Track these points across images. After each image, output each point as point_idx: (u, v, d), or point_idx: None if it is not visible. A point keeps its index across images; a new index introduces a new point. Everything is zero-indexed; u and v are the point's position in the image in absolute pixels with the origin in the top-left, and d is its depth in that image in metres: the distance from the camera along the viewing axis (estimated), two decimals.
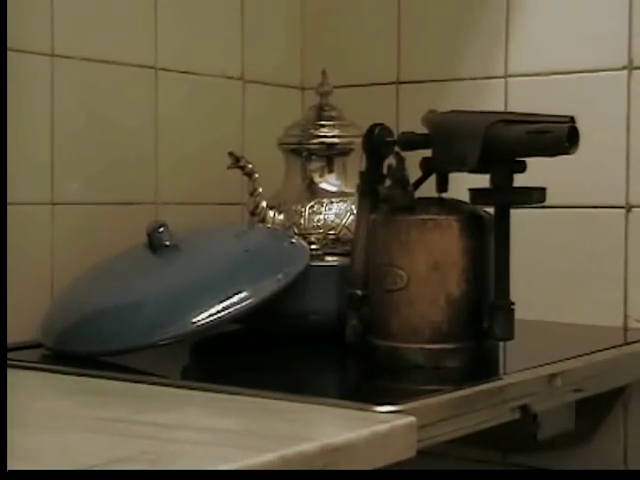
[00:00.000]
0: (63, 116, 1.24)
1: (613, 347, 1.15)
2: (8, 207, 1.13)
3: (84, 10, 1.28)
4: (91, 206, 1.28)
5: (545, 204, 1.01)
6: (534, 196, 1.00)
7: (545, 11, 1.37)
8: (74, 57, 1.26)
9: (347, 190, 1.18)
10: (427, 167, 1.04)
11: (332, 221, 1.16)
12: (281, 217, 1.16)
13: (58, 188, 1.23)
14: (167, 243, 1.12)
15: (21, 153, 1.18)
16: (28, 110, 1.20)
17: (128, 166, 1.34)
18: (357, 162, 1.13)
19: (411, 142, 1.05)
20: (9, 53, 1.15)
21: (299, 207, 1.17)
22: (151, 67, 1.39)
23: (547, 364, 1.01)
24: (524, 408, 0.94)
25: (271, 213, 1.17)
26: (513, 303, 1.00)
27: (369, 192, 1.06)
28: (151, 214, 1.33)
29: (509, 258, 1.00)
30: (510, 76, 1.39)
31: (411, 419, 0.79)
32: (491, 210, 1.02)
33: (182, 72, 1.45)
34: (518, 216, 1.03)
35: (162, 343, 1.01)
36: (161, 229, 1.13)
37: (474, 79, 1.43)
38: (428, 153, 1.04)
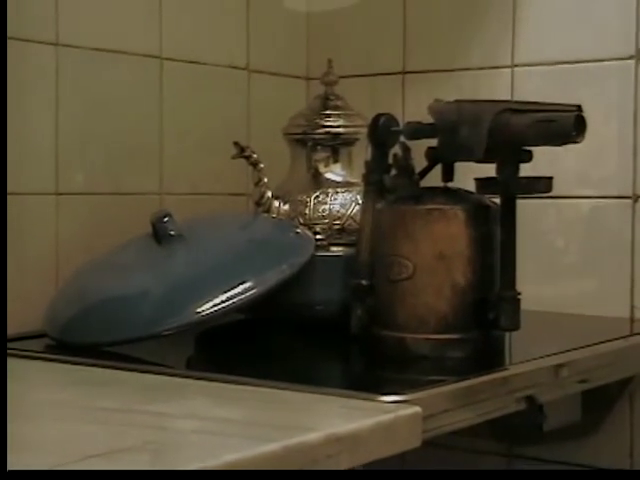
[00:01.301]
0: (67, 106, 1.24)
1: (619, 338, 1.14)
2: (13, 197, 1.13)
3: (102, 3, 1.28)
4: (96, 196, 1.28)
5: (552, 194, 1.01)
6: (540, 186, 0.99)
7: (552, 0, 1.36)
8: (79, 46, 1.26)
9: (352, 180, 1.18)
10: (433, 157, 1.04)
11: (337, 211, 1.15)
12: (286, 207, 1.16)
13: (63, 178, 1.23)
14: (172, 233, 1.12)
15: (26, 143, 1.18)
16: (32, 100, 1.20)
17: (133, 156, 1.34)
18: (362, 152, 1.12)
19: (417, 132, 1.05)
20: (14, 42, 1.15)
21: (304, 197, 1.17)
22: (156, 57, 1.39)
23: (553, 355, 1.01)
24: (530, 399, 0.94)
25: (276, 203, 1.16)
26: (519, 293, 0.99)
27: (375, 182, 1.05)
28: (156, 204, 1.33)
29: (515, 248, 1.00)
30: (517, 66, 1.39)
31: (416, 409, 0.78)
32: (497, 200, 1.01)
33: (187, 62, 1.45)
34: (524, 206, 1.03)
35: (166, 333, 1.00)
36: (166, 219, 1.13)
37: (481, 69, 1.42)
38: (434, 143, 1.03)
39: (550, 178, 0.99)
